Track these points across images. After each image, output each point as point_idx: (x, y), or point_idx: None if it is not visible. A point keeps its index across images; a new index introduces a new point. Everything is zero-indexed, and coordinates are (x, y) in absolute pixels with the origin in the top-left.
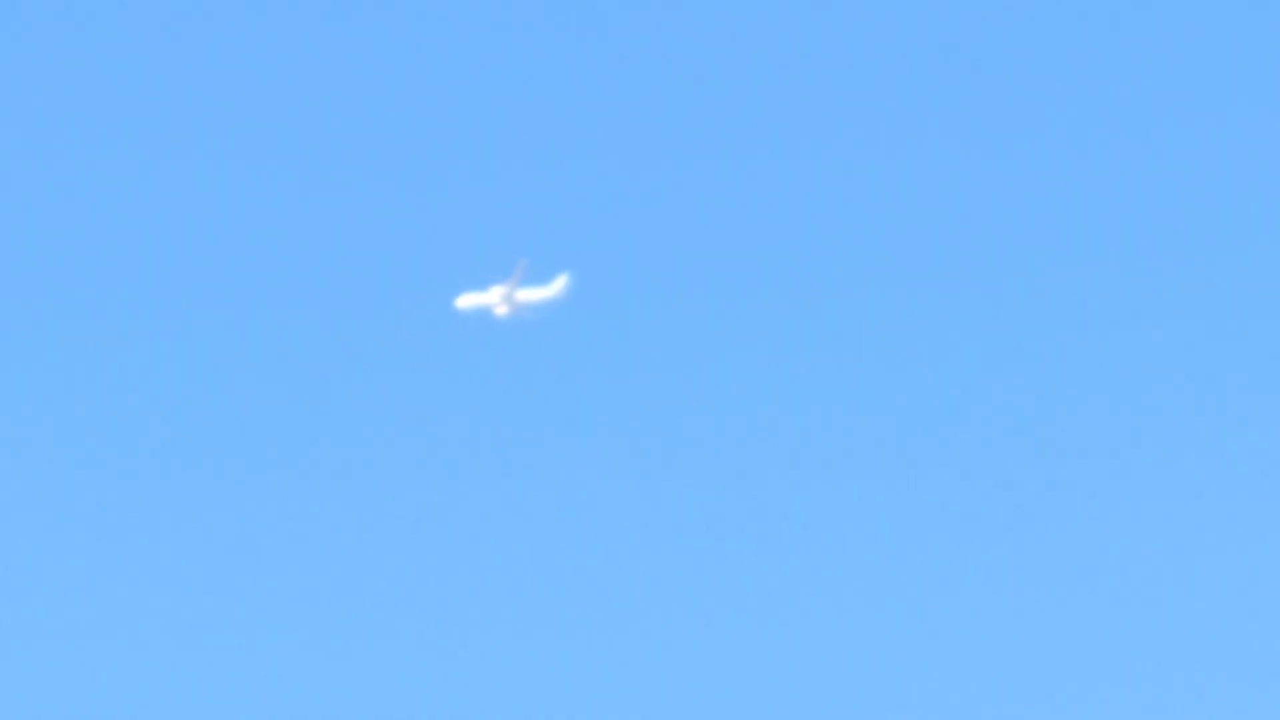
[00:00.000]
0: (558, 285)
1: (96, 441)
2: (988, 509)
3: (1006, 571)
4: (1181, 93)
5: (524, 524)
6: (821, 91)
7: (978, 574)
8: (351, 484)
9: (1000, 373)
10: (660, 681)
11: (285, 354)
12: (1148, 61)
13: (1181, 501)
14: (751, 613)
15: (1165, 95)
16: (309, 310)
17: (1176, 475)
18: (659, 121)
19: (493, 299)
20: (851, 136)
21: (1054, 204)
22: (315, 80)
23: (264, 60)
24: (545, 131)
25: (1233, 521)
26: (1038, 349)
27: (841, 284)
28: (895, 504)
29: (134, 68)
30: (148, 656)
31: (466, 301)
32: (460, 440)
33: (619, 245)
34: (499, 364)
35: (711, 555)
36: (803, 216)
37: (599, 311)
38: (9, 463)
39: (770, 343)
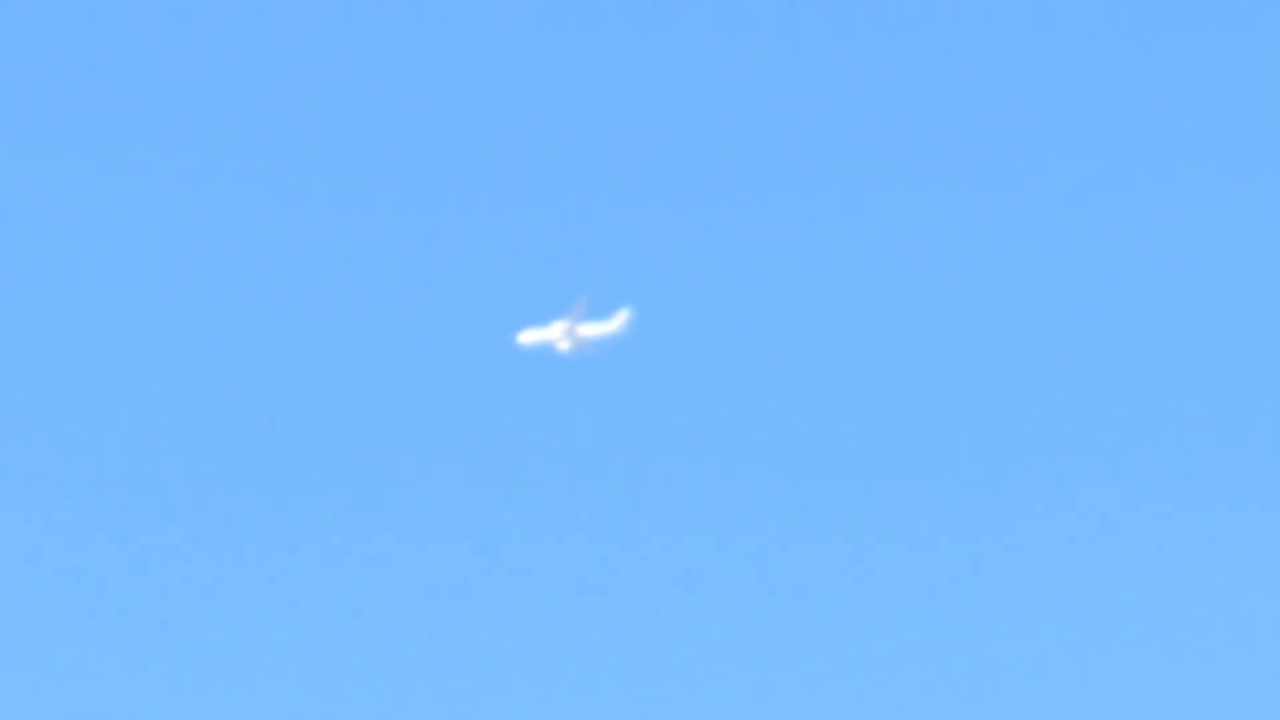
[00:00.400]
0: (619, 320)
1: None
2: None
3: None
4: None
5: (588, 558)
6: (894, 125)
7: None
8: (417, 520)
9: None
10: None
11: (348, 389)
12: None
13: (1180, 505)
14: (814, 653)
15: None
16: (371, 346)
17: (1176, 480)
18: (722, 156)
19: (554, 335)
20: (927, 170)
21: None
22: (374, 122)
23: (326, 100)
24: (606, 165)
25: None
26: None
27: (908, 320)
28: (959, 549)
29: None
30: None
31: (529, 337)
32: (526, 475)
33: (681, 279)
34: (562, 399)
35: (773, 590)
36: (870, 253)
37: (661, 345)
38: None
39: (831, 377)
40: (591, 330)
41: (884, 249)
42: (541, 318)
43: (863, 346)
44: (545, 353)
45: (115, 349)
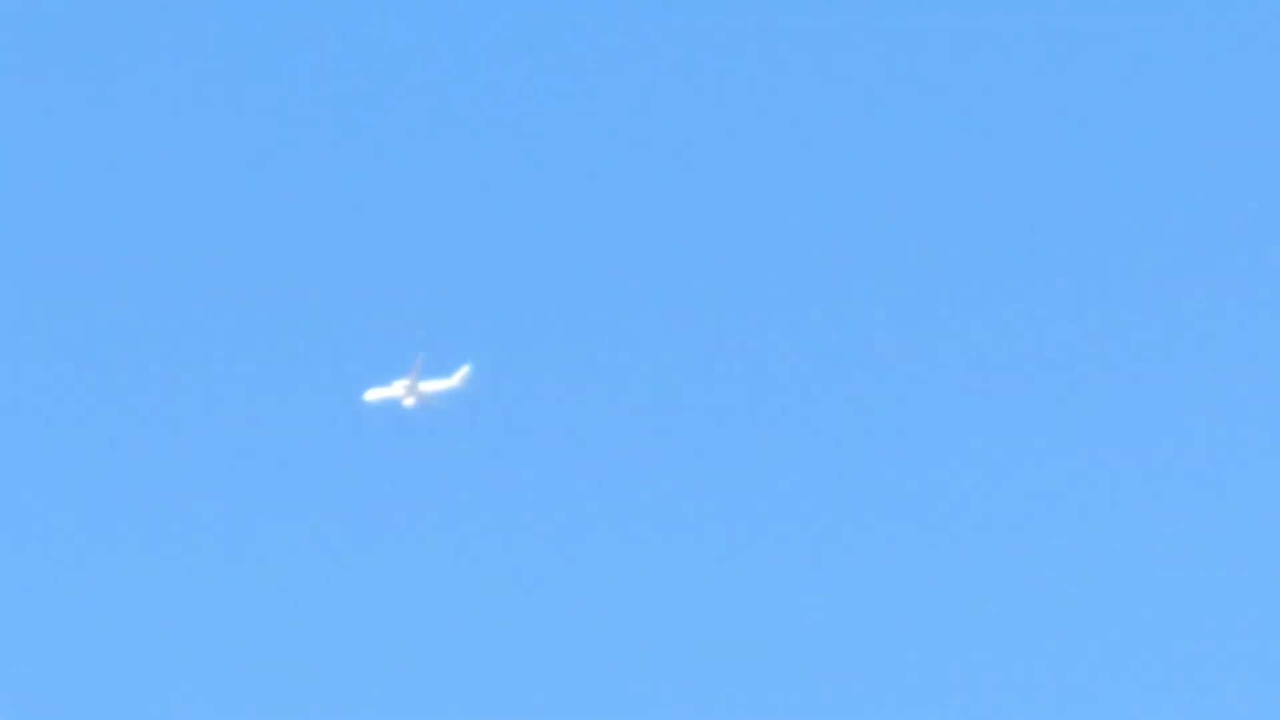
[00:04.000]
0: (460, 376)
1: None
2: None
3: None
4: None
5: (458, 607)
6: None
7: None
8: (278, 579)
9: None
10: None
11: (218, 452)
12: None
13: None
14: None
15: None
16: (226, 406)
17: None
18: (554, 208)
19: (398, 392)
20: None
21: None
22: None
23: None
24: (442, 221)
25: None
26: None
27: (745, 371)
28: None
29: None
30: None
31: (373, 395)
32: (373, 529)
33: (522, 335)
34: (407, 454)
35: (613, 652)
36: (695, 299)
37: (504, 399)
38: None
39: (675, 426)
40: (434, 386)
41: (717, 302)
42: (384, 378)
43: (715, 381)
44: (392, 409)
45: None
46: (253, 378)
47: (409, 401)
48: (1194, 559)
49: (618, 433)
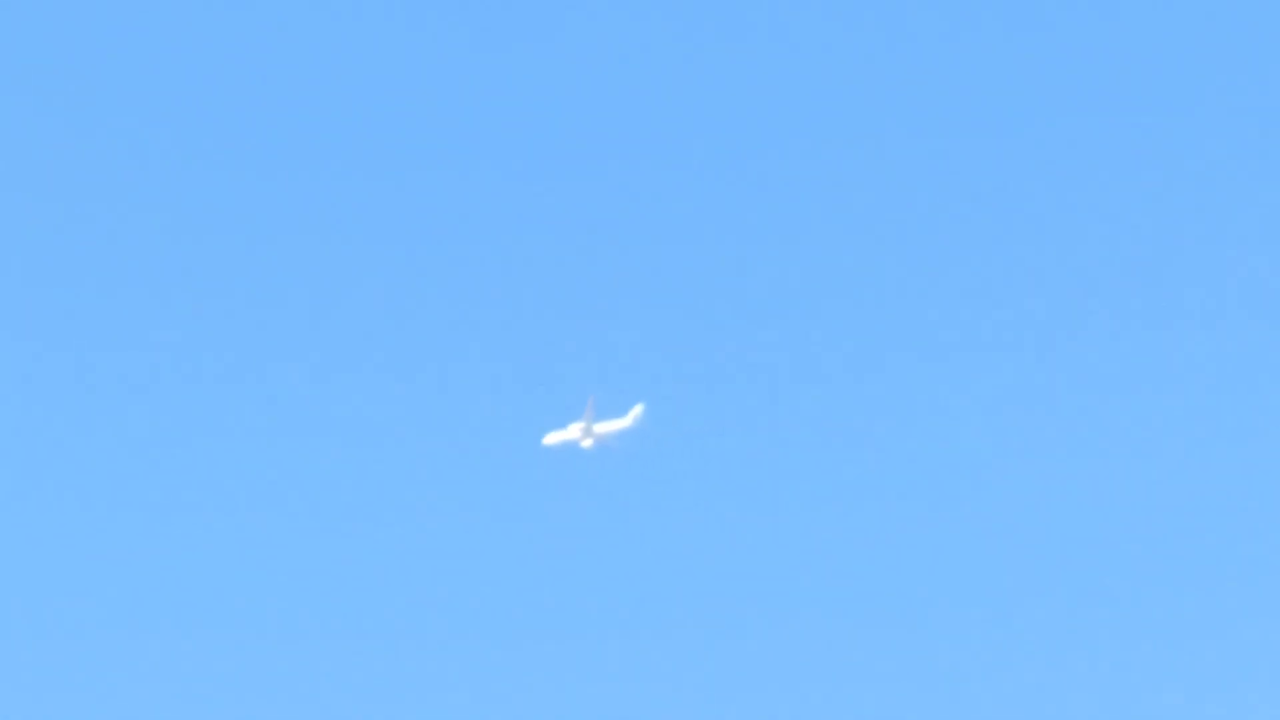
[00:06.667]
0: (634, 415)
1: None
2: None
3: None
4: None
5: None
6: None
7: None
8: (464, 621)
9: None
10: None
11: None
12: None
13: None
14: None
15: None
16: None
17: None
18: (727, 253)
19: (575, 434)
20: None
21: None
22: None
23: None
24: (612, 261)
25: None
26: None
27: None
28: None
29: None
30: None
31: (552, 439)
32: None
33: (693, 372)
34: (584, 494)
35: (792, 679)
36: (882, 336)
37: (678, 436)
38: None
39: (852, 461)
40: (608, 427)
41: (898, 327)
42: (559, 421)
43: (871, 433)
44: (570, 451)
45: None
46: (432, 423)
47: (586, 443)
48: None
49: (793, 464)
